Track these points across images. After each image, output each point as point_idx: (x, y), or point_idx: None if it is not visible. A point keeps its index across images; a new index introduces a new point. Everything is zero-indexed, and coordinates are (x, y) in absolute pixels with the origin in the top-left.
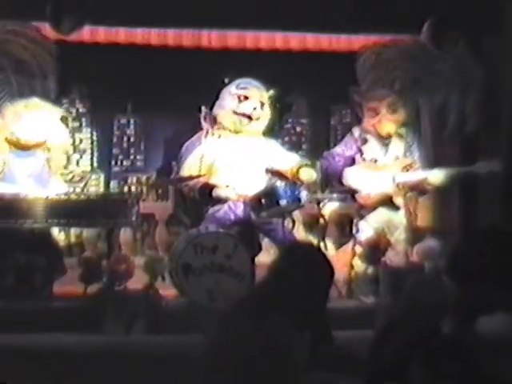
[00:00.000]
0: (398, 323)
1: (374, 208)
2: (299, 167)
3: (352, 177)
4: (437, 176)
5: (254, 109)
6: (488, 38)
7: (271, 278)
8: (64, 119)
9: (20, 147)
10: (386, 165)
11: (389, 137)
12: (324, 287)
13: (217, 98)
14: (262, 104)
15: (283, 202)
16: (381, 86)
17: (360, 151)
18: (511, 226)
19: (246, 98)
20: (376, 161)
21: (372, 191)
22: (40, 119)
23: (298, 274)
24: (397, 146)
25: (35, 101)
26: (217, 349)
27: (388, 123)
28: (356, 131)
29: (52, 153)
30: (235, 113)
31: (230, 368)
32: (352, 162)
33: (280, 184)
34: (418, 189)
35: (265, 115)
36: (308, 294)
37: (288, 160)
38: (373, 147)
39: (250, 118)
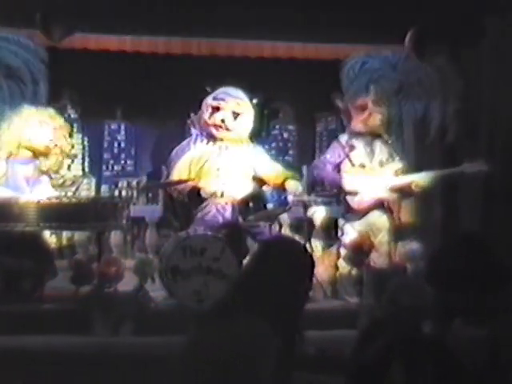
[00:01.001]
0: (380, 324)
1: (366, 212)
2: (285, 179)
3: (347, 183)
4: (425, 178)
5: (222, 120)
6: (467, 49)
7: (249, 274)
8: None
9: (26, 153)
10: (373, 170)
11: (378, 131)
12: (303, 278)
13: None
14: (237, 114)
15: (270, 206)
16: (365, 94)
17: (348, 157)
18: (488, 231)
19: (218, 109)
20: (364, 166)
21: (365, 196)
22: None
23: (275, 265)
24: (381, 151)
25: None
26: (193, 349)
27: (377, 115)
28: (343, 138)
29: (52, 158)
30: (207, 124)
31: (206, 368)
32: (342, 168)
33: (267, 188)
34: (406, 192)
35: (241, 125)
36: (287, 285)
37: (271, 169)
38: (360, 153)
39: (219, 127)
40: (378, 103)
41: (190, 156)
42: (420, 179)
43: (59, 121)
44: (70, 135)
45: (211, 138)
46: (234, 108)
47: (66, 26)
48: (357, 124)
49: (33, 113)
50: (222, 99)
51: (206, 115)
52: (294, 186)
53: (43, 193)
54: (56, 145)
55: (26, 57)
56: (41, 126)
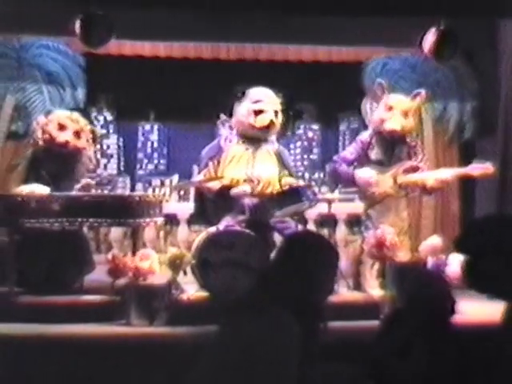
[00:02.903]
0: (402, 315)
1: (379, 206)
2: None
3: (359, 177)
4: (436, 176)
5: (272, 121)
6: (483, 51)
7: (275, 267)
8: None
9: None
10: (390, 167)
11: (392, 136)
12: (328, 270)
13: (232, 107)
14: (276, 113)
15: (296, 203)
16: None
17: (366, 154)
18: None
19: (261, 111)
20: (382, 163)
21: (376, 191)
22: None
23: (301, 258)
24: (400, 149)
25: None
26: (224, 339)
27: (395, 121)
28: (363, 136)
29: (82, 157)
30: (253, 127)
31: (236, 357)
32: (359, 164)
33: (293, 185)
34: (420, 189)
35: (279, 122)
36: (312, 277)
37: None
38: (378, 150)
39: (267, 128)
40: (405, 113)
41: (219, 155)
42: (432, 177)
43: (82, 124)
44: (95, 140)
45: (248, 138)
46: (274, 107)
47: (104, 33)
48: (376, 120)
49: (55, 115)
50: (262, 101)
51: (250, 119)
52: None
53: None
54: (76, 146)
55: (65, 62)
56: (60, 128)
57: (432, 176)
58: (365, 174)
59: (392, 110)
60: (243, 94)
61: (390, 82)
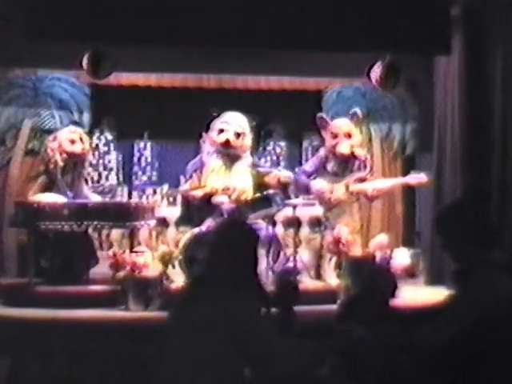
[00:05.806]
0: (355, 300)
1: (335, 210)
2: (280, 174)
3: (318, 186)
4: (374, 186)
5: (227, 140)
6: (421, 82)
7: (211, 256)
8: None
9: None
10: (343, 177)
11: (344, 156)
12: (250, 252)
13: (208, 127)
14: (239, 135)
15: (267, 207)
16: (342, 117)
17: (324, 167)
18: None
19: (223, 130)
20: (337, 174)
21: (332, 197)
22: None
23: (225, 247)
24: (352, 163)
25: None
26: (190, 321)
27: (344, 145)
28: (322, 151)
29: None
30: (216, 142)
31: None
32: (318, 175)
33: (264, 193)
34: (367, 196)
35: (242, 143)
36: (237, 261)
37: (268, 171)
38: (333, 164)
39: (226, 144)
40: (349, 134)
41: (202, 168)
42: (376, 186)
43: (81, 132)
44: (90, 144)
45: (220, 153)
46: (236, 129)
47: (107, 67)
48: (329, 146)
49: (62, 134)
50: (227, 123)
51: (214, 136)
52: (286, 173)
53: (84, 197)
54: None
55: (73, 92)
56: (72, 142)
57: (371, 186)
58: (317, 184)
59: (338, 136)
60: (219, 114)
61: (344, 107)
